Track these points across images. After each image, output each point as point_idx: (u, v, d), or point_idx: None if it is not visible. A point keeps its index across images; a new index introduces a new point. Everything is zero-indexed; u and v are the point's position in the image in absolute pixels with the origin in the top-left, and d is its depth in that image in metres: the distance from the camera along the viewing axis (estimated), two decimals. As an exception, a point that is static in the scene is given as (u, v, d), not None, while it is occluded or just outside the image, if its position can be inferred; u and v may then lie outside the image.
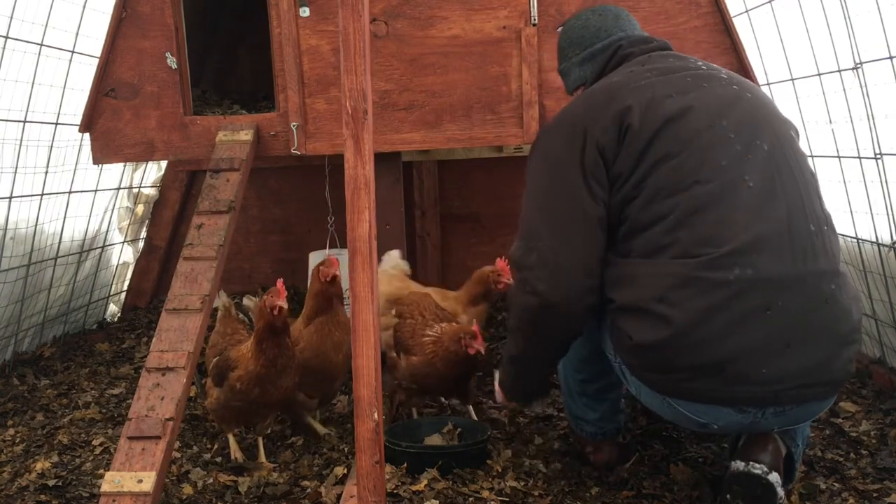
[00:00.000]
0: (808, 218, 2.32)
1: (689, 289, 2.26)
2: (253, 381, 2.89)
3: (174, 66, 3.61)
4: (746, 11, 4.11)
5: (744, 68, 3.40)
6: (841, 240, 3.58)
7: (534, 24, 3.46)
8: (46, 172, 4.07)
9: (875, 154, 3.25)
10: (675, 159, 2.35)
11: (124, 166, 4.81)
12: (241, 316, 3.29)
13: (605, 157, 2.42)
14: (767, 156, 2.35)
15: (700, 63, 2.57)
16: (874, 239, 3.42)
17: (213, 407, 3.05)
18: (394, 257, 3.75)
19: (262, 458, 3.02)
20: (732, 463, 2.39)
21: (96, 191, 4.60)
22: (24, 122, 3.86)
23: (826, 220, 2.38)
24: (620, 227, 2.43)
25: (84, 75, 4.10)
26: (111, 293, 5.11)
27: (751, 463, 2.35)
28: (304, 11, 3.51)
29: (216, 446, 3.16)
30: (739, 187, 2.31)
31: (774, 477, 2.33)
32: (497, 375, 2.87)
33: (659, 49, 2.65)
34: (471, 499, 2.65)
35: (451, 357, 3.02)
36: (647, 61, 2.57)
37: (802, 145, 2.57)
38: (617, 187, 2.42)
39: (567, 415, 2.97)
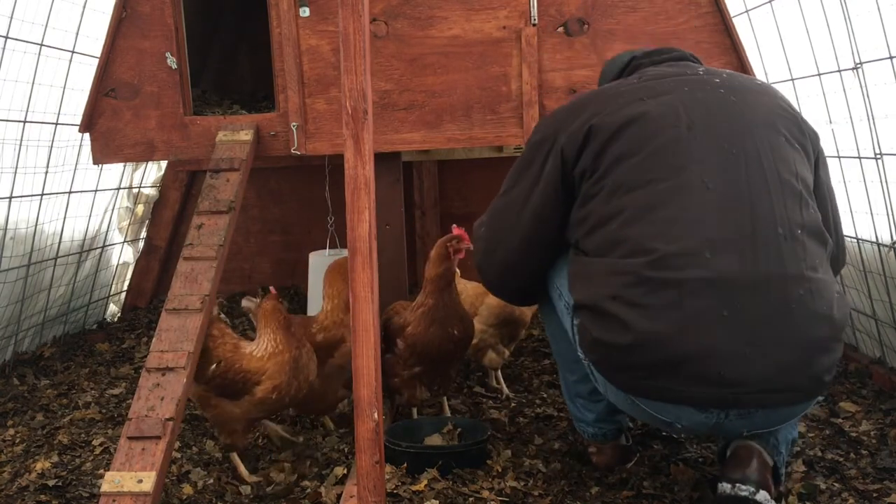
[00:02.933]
0: (778, 221, 2.27)
1: (640, 287, 2.26)
2: (289, 378, 2.83)
3: (174, 66, 3.61)
4: (746, 11, 4.11)
5: (744, 68, 3.40)
6: (841, 240, 3.61)
7: (534, 25, 3.46)
8: (46, 172, 4.07)
9: (875, 154, 3.25)
10: (634, 157, 2.36)
11: (124, 166, 4.81)
12: (223, 316, 3.25)
13: (565, 160, 2.48)
14: (735, 159, 2.32)
15: (701, 70, 2.54)
16: (874, 239, 3.42)
17: (226, 418, 2.89)
18: None
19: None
20: (719, 485, 2.36)
21: (96, 191, 4.60)
22: (24, 122, 3.86)
23: (803, 224, 2.31)
24: (584, 223, 2.45)
25: (84, 75, 4.10)
26: (111, 293, 5.11)
27: (737, 485, 2.32)
28: (304, 11, 3.51)
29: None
30: (696, 187, 2.29)
31: (763, 495, 2.30)
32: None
33: (673, 60, 2.64)
34: (471, 499, 2.65)
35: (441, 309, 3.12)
36: (647, 72, 2.58)
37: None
38: (582, 183, 2.46)
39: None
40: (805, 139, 2.47)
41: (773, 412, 2.31)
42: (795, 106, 2.57)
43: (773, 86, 2.66)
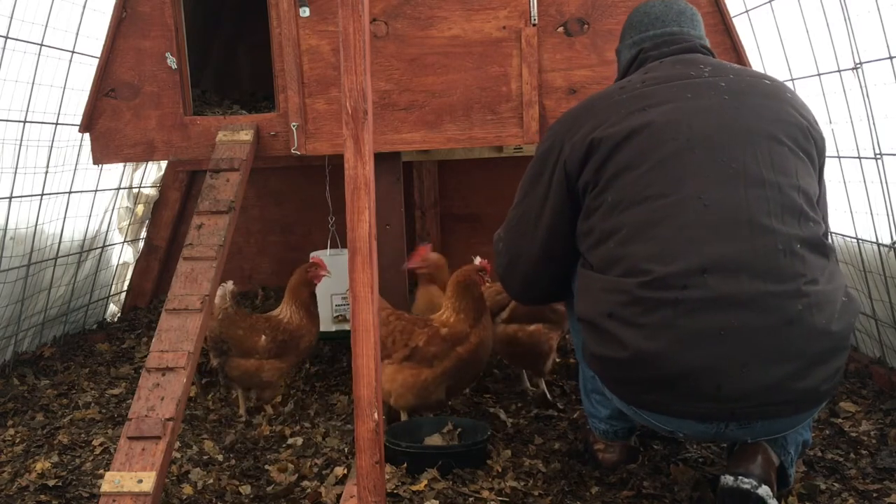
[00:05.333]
0: (777, 238, 2.25)
1: (635, 306, 2.26)
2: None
3: (174, 66, 3.61)
4: (746, 11, 4.11)
5: (744, 68, 3.40)
6: (841, 240, 3.61)
7: (534, 24, 3.46)
8: (46, 172, 4.07)
9: (875, 154, 3.26)
10: (634, 171, 2.35)
11: (124, 166, 4.81)
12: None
13: (569, 172, 2.49)
14: (735, 173, 2.29)
15: (707, 69, 2.50)
16: (874, 239, 3.42)
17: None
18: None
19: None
20: (722, 477, 2.37)
21: (96, 191, 4.60)
22: (24, 122, 3.86)
23: (803, 238, 2.28)
24: (588, 237, 2.46)
25: (84, 75, 4.10)
26: (111, 293, 5.11)
27: (739, 478, 2.32)
28: (304, 11, 3.51)
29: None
30: (693, 205, 2.28)
31: (764, 490, 2.30)
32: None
33: (682, 52, 2.60)
34: (471, 499, 2.65)
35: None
36: (654, 69, 2.56)
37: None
38: (585, 196, 2.47)
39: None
40: (810, 145, 2.43)
41: (773, 422, 2.31)
42: (806, 105, 2.52)
43: (786, 84, 2.62)
